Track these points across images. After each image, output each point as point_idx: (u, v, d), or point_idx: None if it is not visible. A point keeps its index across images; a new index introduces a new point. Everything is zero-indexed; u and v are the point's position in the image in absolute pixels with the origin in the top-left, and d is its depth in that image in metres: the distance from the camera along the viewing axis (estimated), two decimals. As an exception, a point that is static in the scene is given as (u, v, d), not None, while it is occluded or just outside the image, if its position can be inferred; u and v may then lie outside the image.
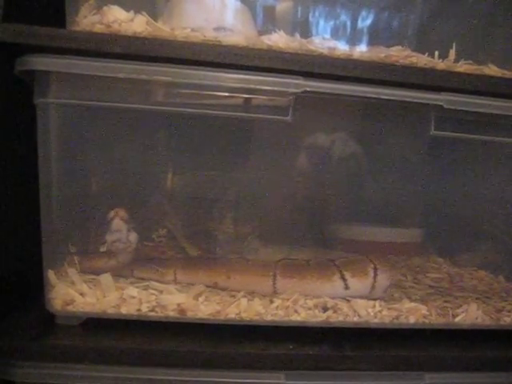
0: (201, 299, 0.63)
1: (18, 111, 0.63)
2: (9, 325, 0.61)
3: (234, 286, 0.65)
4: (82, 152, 0.70)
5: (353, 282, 0.65)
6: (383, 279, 0.66)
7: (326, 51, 0.64)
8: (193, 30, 0.62)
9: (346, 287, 0.65)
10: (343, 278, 0.65)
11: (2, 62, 0.56)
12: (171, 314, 0.62)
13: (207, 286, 0.65)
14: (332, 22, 0.74)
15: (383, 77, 0.60)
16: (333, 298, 0.64)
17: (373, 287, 0.66)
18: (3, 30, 0.55)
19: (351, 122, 0.80)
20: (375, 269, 0.66)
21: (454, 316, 0.66)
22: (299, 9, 0.75)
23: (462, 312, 0.66)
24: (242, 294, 0.64)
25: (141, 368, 0.57)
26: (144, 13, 0.61)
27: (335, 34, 0.74)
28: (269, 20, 0.73)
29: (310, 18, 0.74)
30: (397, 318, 0.65)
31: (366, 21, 0.75)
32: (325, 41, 0.69)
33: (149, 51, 0.57)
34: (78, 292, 0.61)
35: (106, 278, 0.63)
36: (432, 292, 0.73)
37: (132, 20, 0.60)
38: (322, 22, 0.74)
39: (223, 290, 0.65)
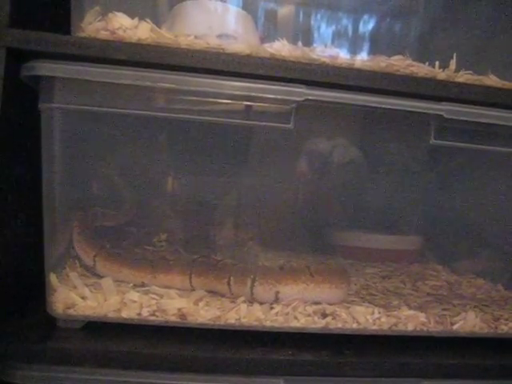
0: (201, 304, 0.63)
1: (22, 116, 0.63)
2: (10, 327, 0.61)
3: (159, 284, 0.66)
4: (85, 157, 0.71)
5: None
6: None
7: (327, 60, 0.65)
8: (196, 37, 0.62)
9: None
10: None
11: (8, 67, 0.56)
12: (172, 318, 0.62)
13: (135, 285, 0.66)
14: (334, 31, 0.75)
15: (384, 86, 0.61)
16: (331, 305, 0.65)
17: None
18: (10, 36, 0.56)
19: (352, 130, 0.80)
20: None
21: (453, 324, 0.66)
22: (301, 17, 0.75)
23: (460, 320, 0.67)
24: (242, 299, 0.64)
25: (141, 372, 0.57)
26: (148, 20, 0.62)
27: (337, 42, 0.75)
28: (271, 27, 0.74)
29: (312, 26, 0.75)
30: (395, 324, 0.65)
31: (367, 30, 0.76)
32: (327, 49, 0.70)
33: (153, 58, 0.58)
34: (79, 296, 0.62)
35: (107, 282, 0.63)
36: (430, 299, 0.73)
37: (136, 27, 0.61)
38: (323, 30, 0.75)
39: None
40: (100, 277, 0.66)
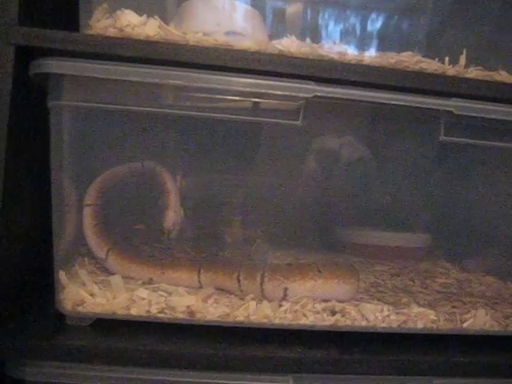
0: (210, 301, 0.63)
1: (31, 114, 0.63)
2: (19, 325, 0.61)
3: (168, 281, 0.66)
4: (94, 154, 0.71)
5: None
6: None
7: (336, 56, 0.64)
8: (204, 34, 0.62)
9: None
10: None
11: (16, 64, 0.57)
12: (180, 315, 0.62)
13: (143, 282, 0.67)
14: (342, 27, 0.75)
15: (393, 82, 0.61)
16: (340, 302, 0.65)
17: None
18: (19, 34, 0.56)
19: (361, 127, 0.80)
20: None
21: (462, 321, 0.66)
22: (309, 13, 0.75)
23: (470, 317, 0.66)
24: (250, 296, 0.64)
25: (149, 369, 0.58)
26: (156, 17, 0.62)
27: (345, 38, 0.74)
28: (279, 24, 0.74)
29: (320, 23, 0.75)
30: (405, 322, 0.65)
31: (376, 26, 0.75)
32: (335, 46, 0.70)
33: (161, 55, 0.58)
34: (88, 293, 0.62)
35: (116, 280, 0.63)
36: (440, 297, 0.73)
37: (145, 24, 0.61)
38: (331, 27, 0.75)
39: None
40: (109, 274, 0.66)
